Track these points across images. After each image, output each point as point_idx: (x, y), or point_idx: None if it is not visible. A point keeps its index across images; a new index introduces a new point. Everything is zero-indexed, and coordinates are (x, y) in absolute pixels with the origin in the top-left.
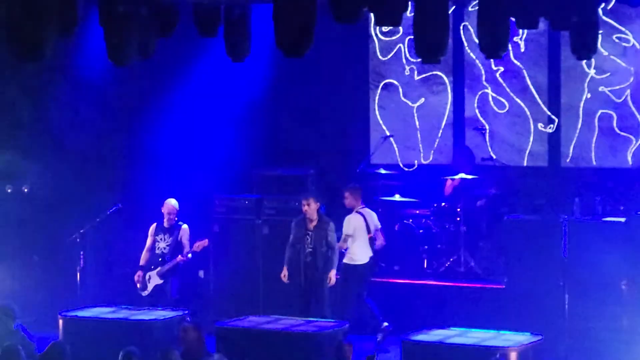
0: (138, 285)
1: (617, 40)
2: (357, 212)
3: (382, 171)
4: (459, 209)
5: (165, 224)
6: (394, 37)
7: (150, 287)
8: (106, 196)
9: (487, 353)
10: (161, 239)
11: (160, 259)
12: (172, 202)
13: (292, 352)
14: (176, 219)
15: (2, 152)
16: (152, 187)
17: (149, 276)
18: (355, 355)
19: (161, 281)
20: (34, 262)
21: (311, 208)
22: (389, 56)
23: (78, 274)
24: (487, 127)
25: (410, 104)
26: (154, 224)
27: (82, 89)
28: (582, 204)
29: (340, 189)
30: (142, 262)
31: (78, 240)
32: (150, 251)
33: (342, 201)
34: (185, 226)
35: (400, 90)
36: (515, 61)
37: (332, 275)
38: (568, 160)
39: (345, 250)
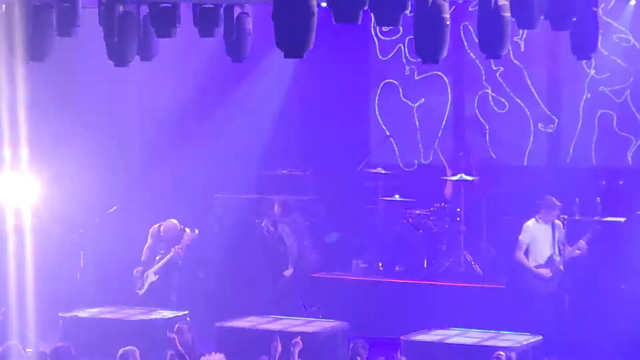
0: (135, 275)
1: (617, 40)
2: None
3: (382, 171)
4: (458, 209)
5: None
6: (394, 37)
7: (146, 285)
8: (106, 196)
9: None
10: (162, 240)
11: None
12: (172, 224)
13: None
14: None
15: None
16: (152, 187)
17: (147, 275)
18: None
19: (155, 277)
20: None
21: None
22: (389, 56)
23: (78, 274)
24: (487, 127)
25: (410, 104)
26: (156, 225)
27: (82, 89)
28: (582, 204)
29: (340, 189)
30: (143, 257)
31: (78, 240)
32: (151, 249)
33: (342, 201)
34: (187, 230)
35: (400, 90)
36: (515, 61)
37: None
38: (568, 160)
39: None
